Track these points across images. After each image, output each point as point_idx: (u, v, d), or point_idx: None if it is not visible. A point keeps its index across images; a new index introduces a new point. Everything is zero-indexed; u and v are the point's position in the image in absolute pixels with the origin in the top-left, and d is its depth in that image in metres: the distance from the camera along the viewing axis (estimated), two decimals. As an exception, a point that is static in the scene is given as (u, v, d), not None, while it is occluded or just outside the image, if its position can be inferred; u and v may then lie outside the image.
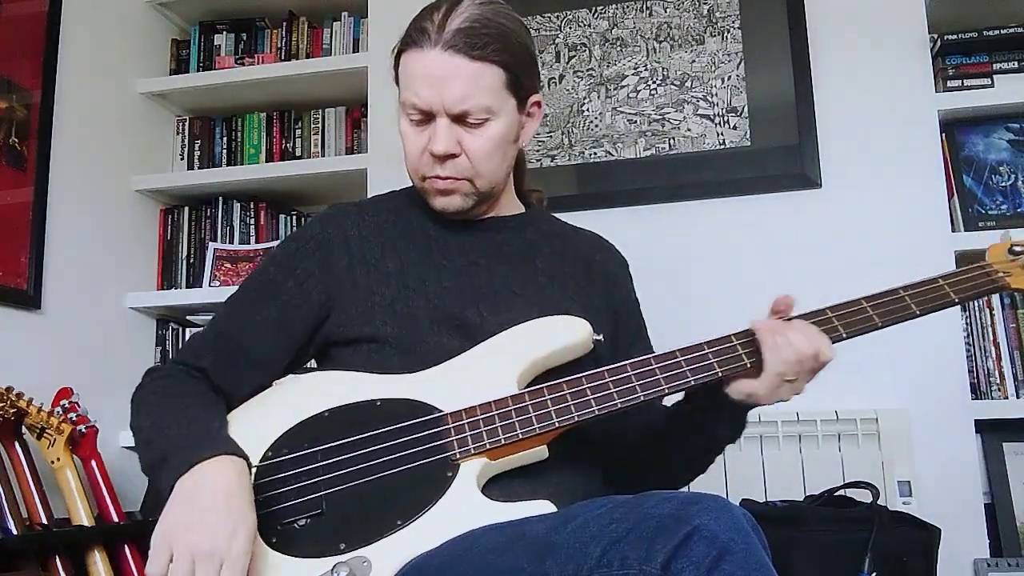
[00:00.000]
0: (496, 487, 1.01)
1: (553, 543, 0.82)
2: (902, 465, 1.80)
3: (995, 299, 1.93)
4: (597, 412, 1.01)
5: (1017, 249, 1.10)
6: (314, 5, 2.49)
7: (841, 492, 1.62)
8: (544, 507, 0.95)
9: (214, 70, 2.49)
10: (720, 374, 1.03)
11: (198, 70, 2.52)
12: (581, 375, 1.03)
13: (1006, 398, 1.88)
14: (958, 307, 1.87)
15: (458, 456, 0.99)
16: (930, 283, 1.07)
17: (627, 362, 1.04)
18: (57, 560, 1.68)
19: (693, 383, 1.03)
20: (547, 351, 1.08)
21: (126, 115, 2.39)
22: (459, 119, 1.09)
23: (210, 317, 1.26)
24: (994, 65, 1.97)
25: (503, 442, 0.99)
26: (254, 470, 1.00)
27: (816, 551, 1.48)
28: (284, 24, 2.51)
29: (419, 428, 1.02)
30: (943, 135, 1.99)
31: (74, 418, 1.84)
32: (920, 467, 1.80)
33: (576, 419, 1.01)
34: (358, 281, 1.14)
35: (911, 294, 1.06)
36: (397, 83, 1.14)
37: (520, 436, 0.99)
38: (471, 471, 0.99)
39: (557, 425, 1.00)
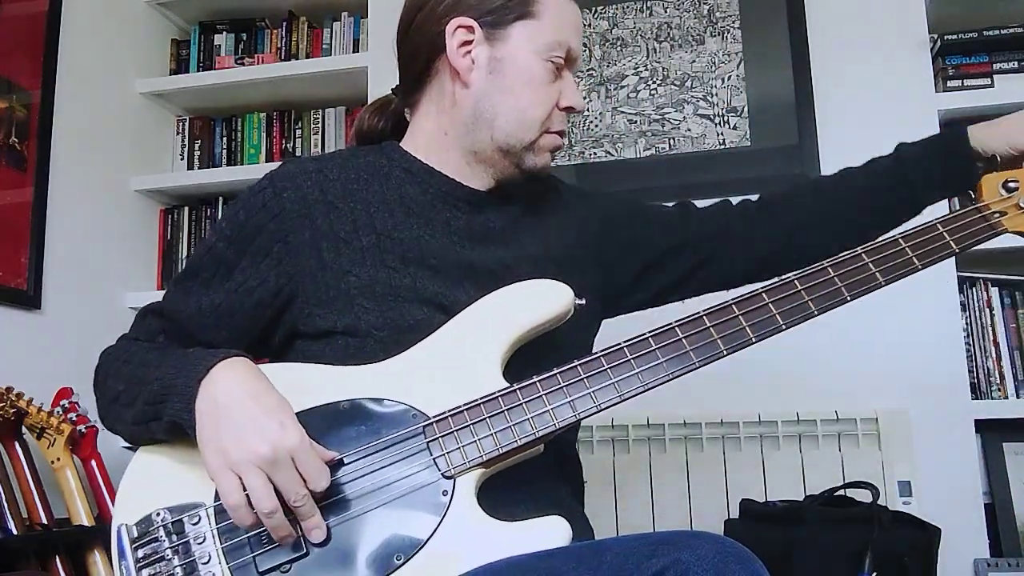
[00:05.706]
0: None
1: None
2: (902, 465, 1.80)
3: (995, 299, 1.93)
4: (600, 406, 0.90)
5: (1011, 185, 1.03)
6: (314, 5, 2.49)
7: (841, 492, 1.63)
8: (556, 524, 0.85)
9: (214, 70, 2.49)
10: (754, 340, 0.97)
11: (198, 70, 2.52)
12: (576, 363, 0.92)
13: (1006, 398, 1.88)
14: (958, 306, 1.89)
15: (452, 471, 0.86)
16: (928, 230, 1.01)
17: (624, 345, 0.93)
18: (57, 560, 1.68)
19: (695, 363, 0.94)
20: (528, 325, 0.94)
21: (126, 115, 2.39)
22: None
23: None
24: (994, 65, 1.97)
25: (501, 451, 0.88)
26: (213, 508, 0.87)
27: (816, 551, 1.48)
28: (284, 24, 2.51)
29: (401, 440, 0.88)
30: (943, 135, 1.99)
31: (74, 418, 1.84)
32: (920, 467, 1.80)
33: (578, 416, 0.90)
34: (325, 259, 0.97)
35: (911, 244, 1.00)
36: (512, 18, 1.02)
37: (518, 443, 0.88)
38: (468, 487, 0.87)
39: (557, 427, 0.90)
